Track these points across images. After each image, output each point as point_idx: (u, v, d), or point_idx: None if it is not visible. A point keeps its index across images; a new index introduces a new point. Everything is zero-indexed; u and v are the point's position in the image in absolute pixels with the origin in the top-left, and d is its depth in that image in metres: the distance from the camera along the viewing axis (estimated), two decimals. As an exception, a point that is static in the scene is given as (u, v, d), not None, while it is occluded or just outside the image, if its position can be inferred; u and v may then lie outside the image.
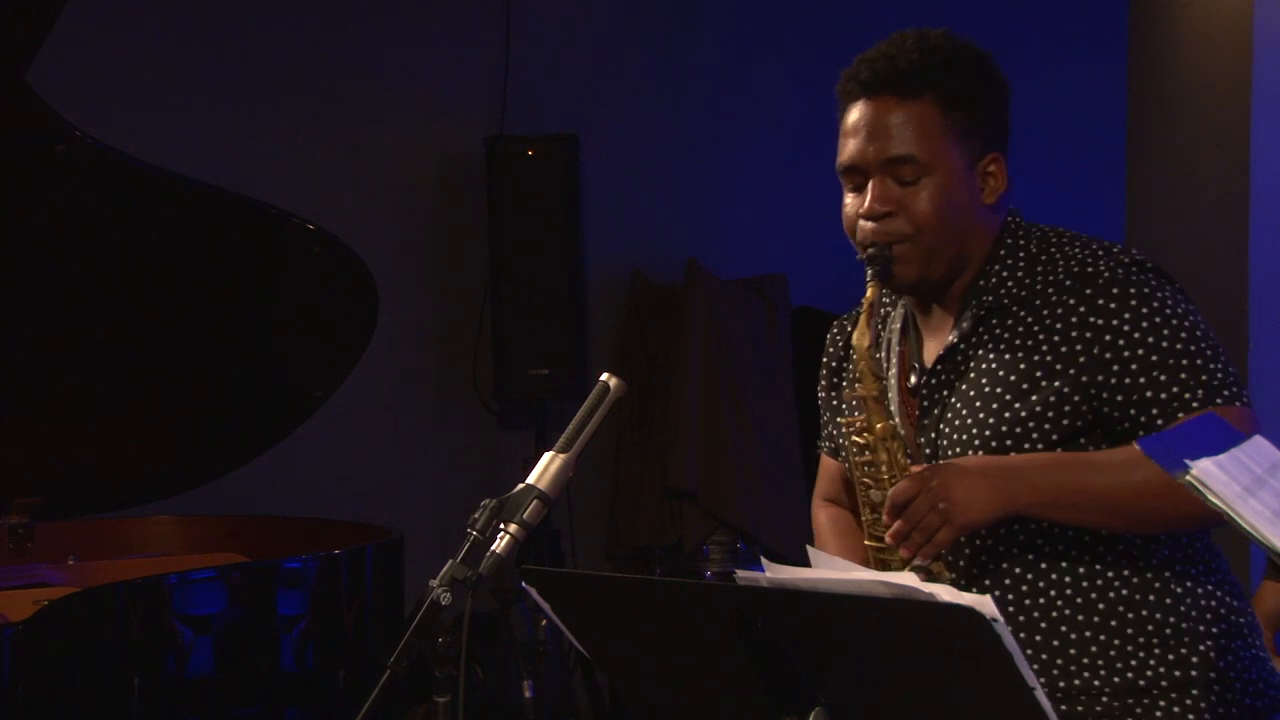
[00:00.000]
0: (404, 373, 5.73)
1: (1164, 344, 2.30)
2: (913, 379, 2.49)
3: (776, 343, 5.81)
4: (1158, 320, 2.30)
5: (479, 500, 2.13)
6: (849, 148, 2.40)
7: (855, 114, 2.41)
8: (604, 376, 2.22)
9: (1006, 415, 2.35)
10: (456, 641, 2.03)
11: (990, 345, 2.39)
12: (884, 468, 2.39)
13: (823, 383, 2.68)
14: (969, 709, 1.83)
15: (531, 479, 2.15)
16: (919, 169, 2.36)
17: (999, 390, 2.37)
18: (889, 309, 2.58)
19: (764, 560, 2.06)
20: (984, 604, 1.74)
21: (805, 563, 2.33)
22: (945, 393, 2.43)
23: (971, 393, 2.40)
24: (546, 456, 2.17)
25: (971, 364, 2.41)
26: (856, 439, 2.42)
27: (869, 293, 2.39)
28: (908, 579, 1.85)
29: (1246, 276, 4.69)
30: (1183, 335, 2.30)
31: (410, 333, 5.69)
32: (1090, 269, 2.35)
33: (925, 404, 2.45)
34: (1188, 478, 1.79)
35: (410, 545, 4.22)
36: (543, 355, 5.51)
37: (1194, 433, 1.96)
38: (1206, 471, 1.79)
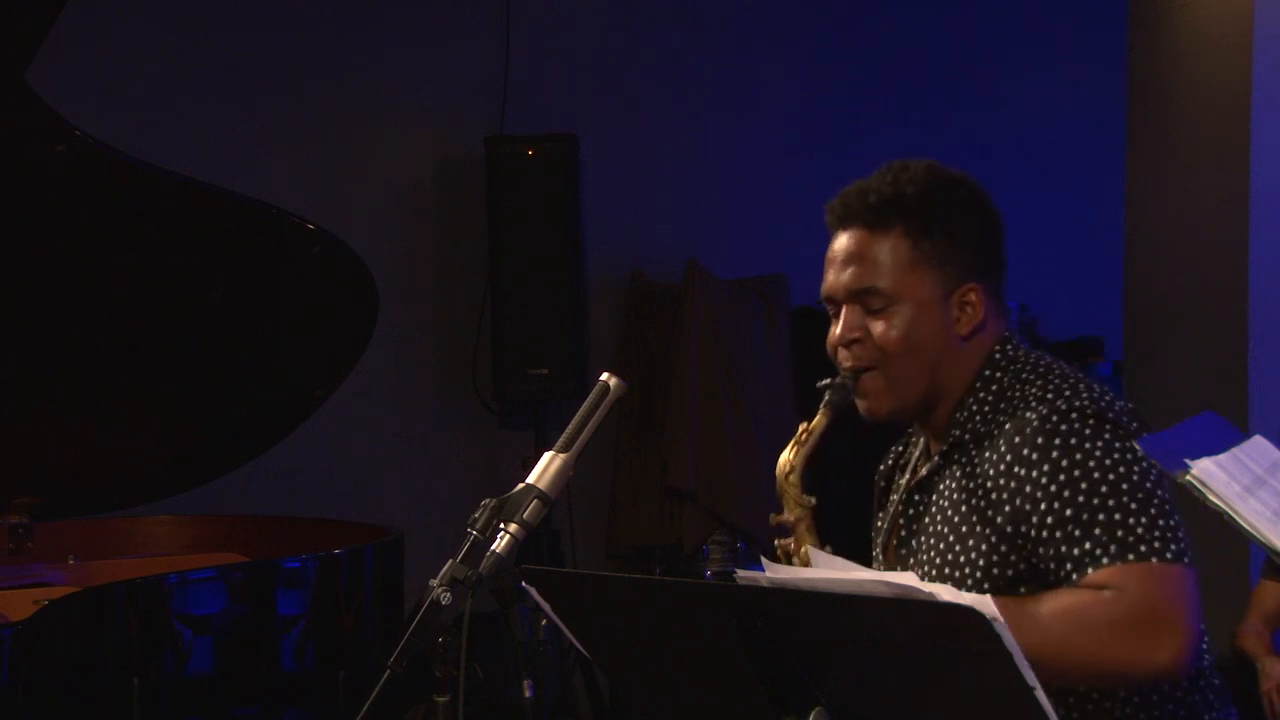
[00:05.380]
0: (404, 373, 5.73)
1: (1080, 498, 2.21)
2: None
3: (776, 343, 5.81)
4: (1076, 474, 2.22)
5: (479, 500, 2.13)
6: (826, 278, 2.45)
7: (834, 245, 2.45)
8: (604, 376, 2.22)
9: (949, 558, 2.34)
10: (456, 641, 2.03)
11: (949, 483, 2.38)
12: None
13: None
14: (969, 709, 1.83)
15: (531, 479, 2.15)
16: (886, 299, 2.38)
17: (946, 531, 2.36)
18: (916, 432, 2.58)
19: (764, 560, 2.06)
20: (984, 604, 1.74)
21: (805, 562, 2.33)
22: (915, 526, 2.43)
23: (930, 529, 2.40)
24: (546, 456, 2.17)
25: (934, 499, 2.41)
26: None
27: (817, 419, 2.42)
28: (908, 579, 1.85)
29: (1246, 276, 4.68)
30: (1102, 489, 2.21)
31: (410, 333, 5.70)
32: (1027, 413, 2.30)
33: (903, 532, 2.46)
34: (1188, 477, 1.78)
35: (410, 545, 4.23)
36: (543, 355, 5.51)
37: (1194, 432, 1.95)
38: (1206, 471, 1.79)
